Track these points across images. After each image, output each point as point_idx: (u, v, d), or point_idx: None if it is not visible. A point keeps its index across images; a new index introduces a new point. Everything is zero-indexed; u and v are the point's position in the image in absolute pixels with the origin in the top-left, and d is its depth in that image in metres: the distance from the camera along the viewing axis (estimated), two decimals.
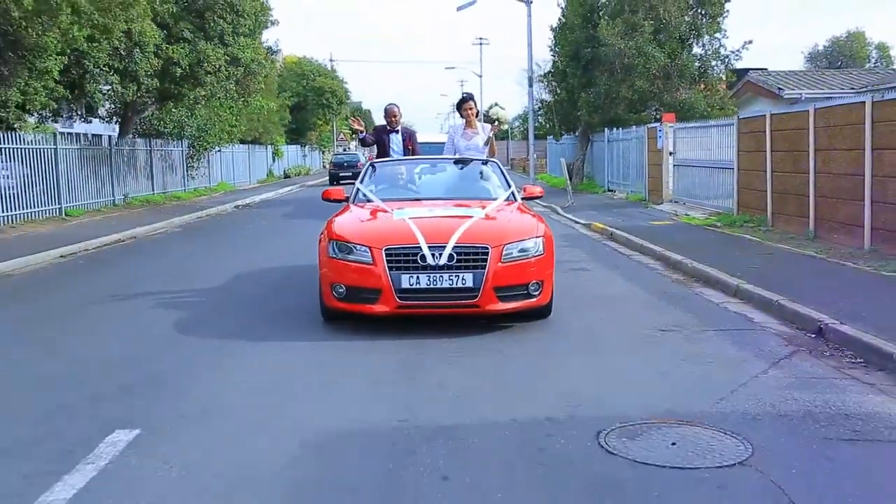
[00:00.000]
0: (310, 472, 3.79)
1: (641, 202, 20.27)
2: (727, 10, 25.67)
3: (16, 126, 16.57)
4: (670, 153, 19.18)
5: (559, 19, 27.96)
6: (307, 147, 57.07)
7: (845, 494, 3.44)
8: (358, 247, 6.60)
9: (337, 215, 7.53)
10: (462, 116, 9.14)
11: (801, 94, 24.65)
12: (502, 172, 8.58)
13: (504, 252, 6.53)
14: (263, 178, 41.06)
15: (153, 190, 24.65)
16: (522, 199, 8.14)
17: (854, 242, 10.46)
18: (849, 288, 7.88)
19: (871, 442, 4.07)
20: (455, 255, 6.39)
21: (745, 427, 4.24)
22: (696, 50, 25.24)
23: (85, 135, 21.39)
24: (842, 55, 58.76)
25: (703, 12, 25.38)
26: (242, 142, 35.65)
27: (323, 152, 62.69)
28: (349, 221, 7.28)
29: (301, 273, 9.50)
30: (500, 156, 8.39)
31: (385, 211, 7.36)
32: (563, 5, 27.67)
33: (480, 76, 59.74)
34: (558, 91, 28.21)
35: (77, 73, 16.63)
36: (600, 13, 25.49)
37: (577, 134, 29.41)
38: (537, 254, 6.74)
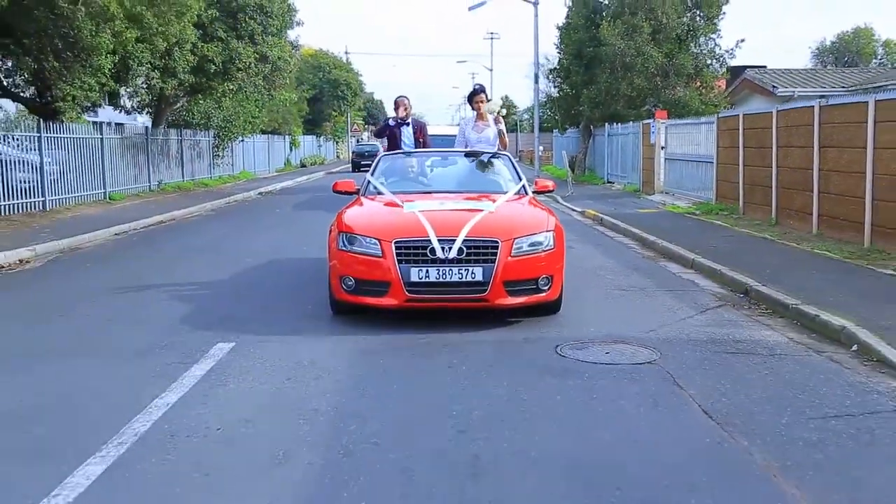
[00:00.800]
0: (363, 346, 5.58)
1: (635, 193, 21.97)
2: (724, 12, 27.32)
3: (65, 118, 18.36)
4: (662, 148, 20.86)
5: (565, 18, 29.60)
6: (322, 137, 58.88)
7: (712, 380, 5.18)
8: (367, 239, 6.61)
9: (347, 208, 7.58)
10: (473, 109, 9.16)
11: (794, 91, 26.10)
12: (513, 166, 8.63)
13: (514, 246, 6.54)
14: (281, 167, 42.93)
15: (183, 177, 26.49)
16: (534, 192, 8.23)
17: (805, 227, 12.17)
18: (781, 262, 9.61)
19: (746, 355, 5.82)
20: (465, 248, 6.41)
21: (661, 345, 6.01)
22: (693, 49, 26.79)
23: (118, 124, 23.24)
24: (848, 51, 59.80)
25: (700, 14, 27.00)
26: (262, 132, 37.50)
27: (337, 143, 64.47)
28: (359, 214, 7.33)
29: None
30: (508, 148, 9.24)
31: (395, 204, 7.34)
32: (570, 5, 29.31)
33: (491, 70, 61.53)
34: (563, 87, 29.88)
35: (123, 69, 18.39)
36: (602, 14, 27.09)
37: (579, 128, 31.10)
38: (548, 248, 6.74)
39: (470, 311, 6.75)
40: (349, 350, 5.95)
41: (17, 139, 16.40)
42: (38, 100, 18.03)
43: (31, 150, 16.62)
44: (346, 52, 62.21)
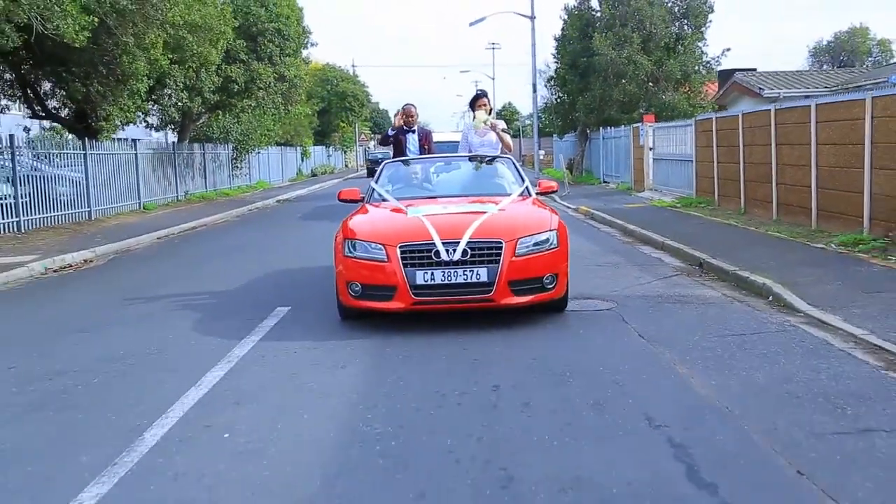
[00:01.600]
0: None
1: (628, 191, 23.74)
2: (710, 20, 29.13)
3: (104, 137, 20.23)
4: (650, 149, 22.64)
5: (561, 30, 31.44)
6: (331, 148, 60.84)
7: (651, 319, 6.94)
8: (372, 245, 6.69)
9: (352, 215, 7.67)
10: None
11: (779, 93, 27.75)
12: (516, 168, 8.71)
13: (518, 246, 6.62)
14: (294, 176, 44.88)
15: (206, 188, 28.41)
16: (537, 193, 8.35)
17: (767, 215, 13.92)
18: (736, 242, 11.35)
19: (683, 304, 7.58)
20: (469, 250, 6.48)
21: (620, 299, 7.78)
22: (681, 56, 28.54)
23: (134, 140, 25.15)
24: (844, 50, 61.24)
25: (687, 23, 28.79)
26: (276, 144, 39.45)
27: (345, 152, 66.43)
28: (364, 221, 7.40)
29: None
30: (513, 152, 9.54)
31: (400, 209, 7.44)
32: (565, 18, 31.15)
33: (493, 78, 63.41)
34: (560, 94, 31.73)
35: (159, 89, 20.30)
36: (595, 26, 28.90)
37: (576, 132, 32.92)
38: (551, 247, 6.82)
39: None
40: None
41: (66, 157, 18.30)
42: (78, 120, 19.94)
43: (67, 166, 18.44)
44: (353, 66, 64.20)
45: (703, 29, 29.01)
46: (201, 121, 27.29)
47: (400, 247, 6.56)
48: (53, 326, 7.60)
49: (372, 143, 72.94)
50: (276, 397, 5.08)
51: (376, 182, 8.46)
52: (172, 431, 4.48)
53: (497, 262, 6.52)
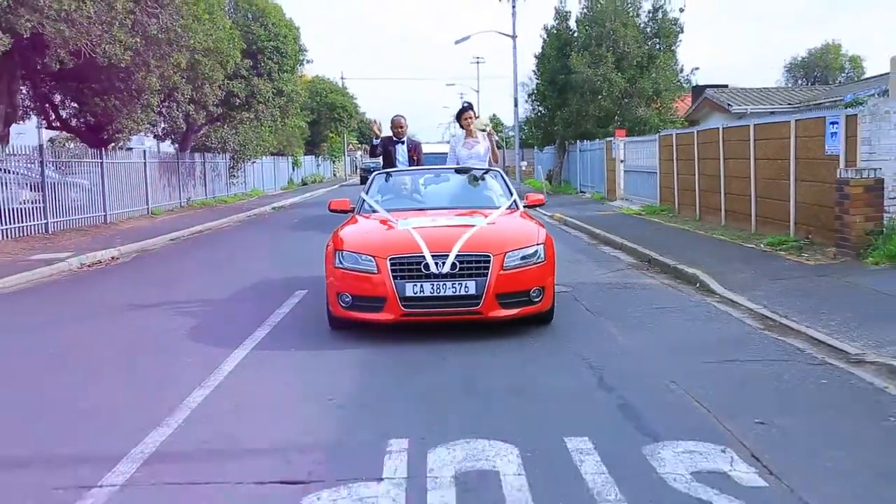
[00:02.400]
0: None
1: (601, 200, 25.60)
2: (681, 40, 31.14)
3: (117, 147, 21.86)
4: (621, 161, 24.51)
5: (541, 48, 33.35)
6: (320, 157, 62.53)
7: (598, 298, 8.71)
8: (363, 256, 6.80)
9: (343, 226, 7.78)
10: (462, 126, 9.34)
11: (746, 109, 29.76)
12: (504, 181, 8.80)
13: (506, 260, 6.72)
14: (285, 185, 46.54)
15: (206, 195, 30.05)
16: (525, 206, 8.44)
17: (717, 221, 15.76)
18: (684, 243, 13.18)
19: (627, 289, 9.38)
20: (458, 263, 6.58)
21: (576, 285, 9.56)
22: (653, 74, 30.43)
23: (129, 149, 26.83)
24: (818, 66, 63.44)
25: (659, 42, 30.72)
26: (270, 154, 41.09)
27: (334, 162, 68.11)
28: (354, 232, 7.51)
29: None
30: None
31: (389, 221, 7.57)
32: (545, 37, 33.06)
33: (478, 91, 65.55)
34: (539, 109, 33.64)
35: (169, 102, 22.00)
36: (572, 46, 30.80)
37: (555, 145, 34.82)
38: (538, 261, 6.94)
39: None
40: None
41: (77, 165, 19.93)
42: (92, 131, 21.55)
43: (77, 174, 20.01)
44: (342, 78, 66.08)
45: (673, 48, 30.99)
46: (202, 132, 28.94)
47: (390, 259, 6.67)
48: (115, 302, 9.32)
49: (359, 154, 74.80)
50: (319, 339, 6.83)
51: (366, 193, 8.60)
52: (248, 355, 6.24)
53: (485, 275, 6.63)
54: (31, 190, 18.52)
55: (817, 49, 62.57)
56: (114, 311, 8.87)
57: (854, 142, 10.50)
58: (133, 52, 15.14)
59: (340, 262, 6.93)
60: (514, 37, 32.25)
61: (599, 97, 29.26)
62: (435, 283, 6.58)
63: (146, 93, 19.90)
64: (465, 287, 6.59)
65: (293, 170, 50.32)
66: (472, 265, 6.63)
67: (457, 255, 6.60)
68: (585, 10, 30.66)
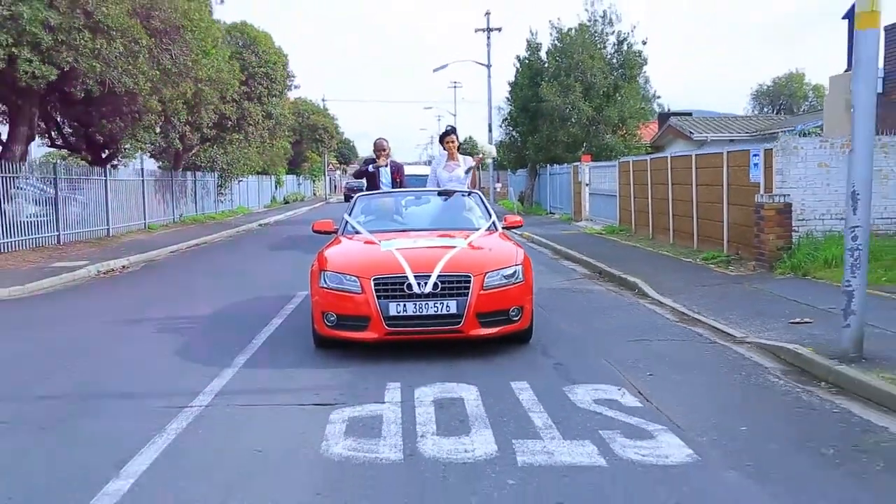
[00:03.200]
0: None
1: (568, 220, 27.53)
2: (644, 71, 33.33)
3: (118, 166, 23.47)
4: (586, 185, 26.48)
5: (514, 77, 35.37)
6: (301, 177, 64.21)
7: (552, 299, 10.52)
8: (347, 277, 6.97)
9: (327, 247, 7.98)
10: (445, 149, 9.64)
11: (707, 136, 31.82)
12: (483, 203, 9.09)
13: (486, 280, 6.91)
14: (268, 202, 48.19)
15: (196, 212, 31.65)
16: (503, 227, 8.76)
17: (666, 240, 17.69)
18: (632, 257, 15.07)
19: (577, 293, 11.21)
20: (439, 283, 6.75)
21: (535, 291, 11.36)
22: (619, 103, 32.42)
23: (114, 166, 28.45)
24: (782, 94, 65.81)
25: (624, 73, 32.80)
26: (255, 173, 42.78)
27: (314, 181, 69.79)
28: (339, 253, 7.71)
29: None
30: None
31: (373, 242, 7.78)
32: (518, 67, 35.11)
33: (454, 115, 67.58)
34: (512, 134, 35.67)
35: (167, 124, 23.69)
36: (543, 76, 32.82)
37: (527, 168, 36.83)
38: (517, 281, 7.14)
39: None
40: None
41: (74, 182, 21.50)
42: (92, 150, 23.13)
43: (74, 190, 21.53)
44: (324, 100, 68.11)
45: (637, 78, 33.13)
46: (193, 151, 30.59)
47: (374, 279, 6.84)
48: (141, 302, 11.00)
49: (338, 173, 76.52)
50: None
51: (349, 214, 8.83)
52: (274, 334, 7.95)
53: (466, 294, 6.80)
54: (35, 204, 20.08)
55: (781, 77, 64.87)
56: (154, 299, 10.57)
57: (770, 172, 12.48)
58: (151, 83, 16.84)
59: (325, 282, 7.11)
60: (488, 66, 34.32)
61: (568, 124, 31.30)
62: (417, 303, 6.75)
63: (148, 115, 21.59)
64: (447, 306, 6.78)
65: (276, 188, 51.98)
66: (453, 285, 6.82)
67: (438, 276, 6.79)
68: (556, 43, 32.72)
